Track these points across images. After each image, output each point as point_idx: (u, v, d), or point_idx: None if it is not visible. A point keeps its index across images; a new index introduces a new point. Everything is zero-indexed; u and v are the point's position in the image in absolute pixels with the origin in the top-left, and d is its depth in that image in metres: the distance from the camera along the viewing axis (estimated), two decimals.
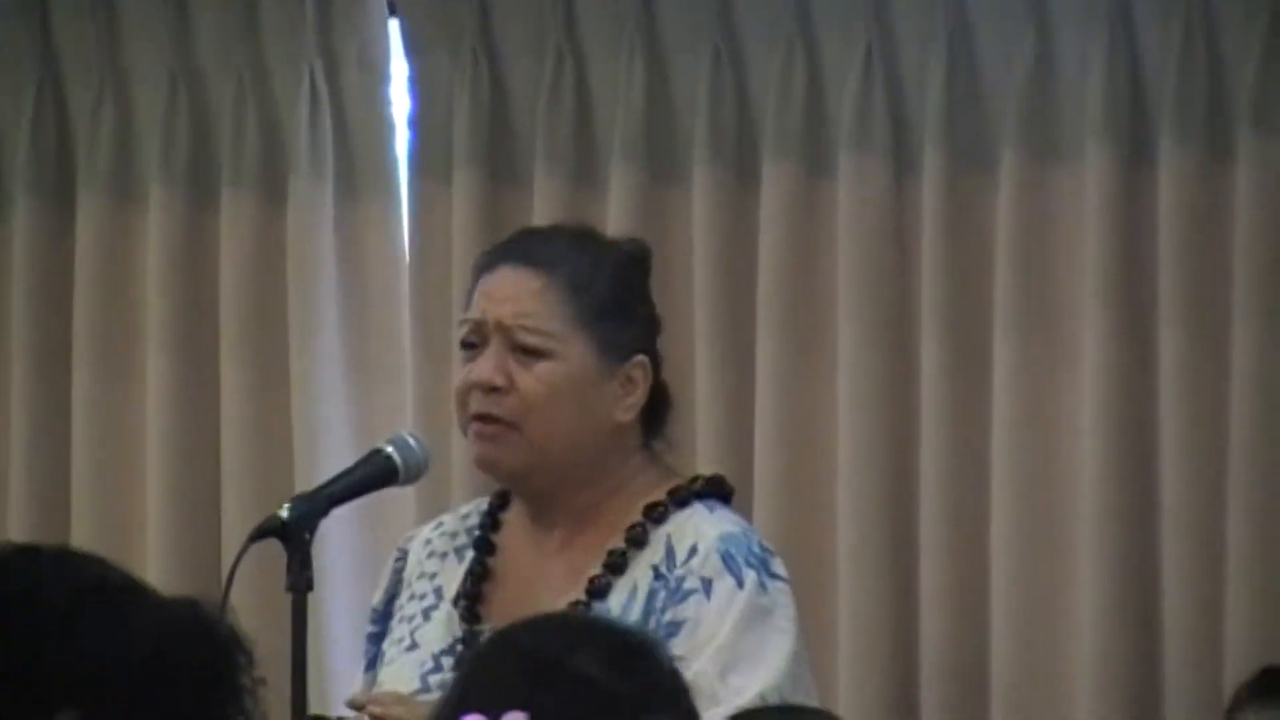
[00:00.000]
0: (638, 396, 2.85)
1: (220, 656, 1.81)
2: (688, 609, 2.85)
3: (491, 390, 2.82)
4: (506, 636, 2.03)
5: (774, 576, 2.89)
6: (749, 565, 2.88)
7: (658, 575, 2.88)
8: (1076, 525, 3.42)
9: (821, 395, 3.45)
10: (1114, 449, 3.30)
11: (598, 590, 2.85)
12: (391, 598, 3.07)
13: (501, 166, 3.64)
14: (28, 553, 1.88)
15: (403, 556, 3.06)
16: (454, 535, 3.04)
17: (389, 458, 2.86)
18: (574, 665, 1.89)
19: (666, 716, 1.90)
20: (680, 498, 2.92)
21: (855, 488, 3.43)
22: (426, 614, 3.01)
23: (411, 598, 3.06)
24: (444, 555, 3.05)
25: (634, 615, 2.85)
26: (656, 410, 2.90)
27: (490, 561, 2.98)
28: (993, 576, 3.36)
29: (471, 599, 2.95)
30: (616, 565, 2.87)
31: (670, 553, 2.88)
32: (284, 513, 2.77)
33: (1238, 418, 3.29)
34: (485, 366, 2.81)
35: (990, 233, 3.33)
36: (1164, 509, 3.37)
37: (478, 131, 3.63)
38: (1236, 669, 3.25)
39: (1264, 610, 3.17)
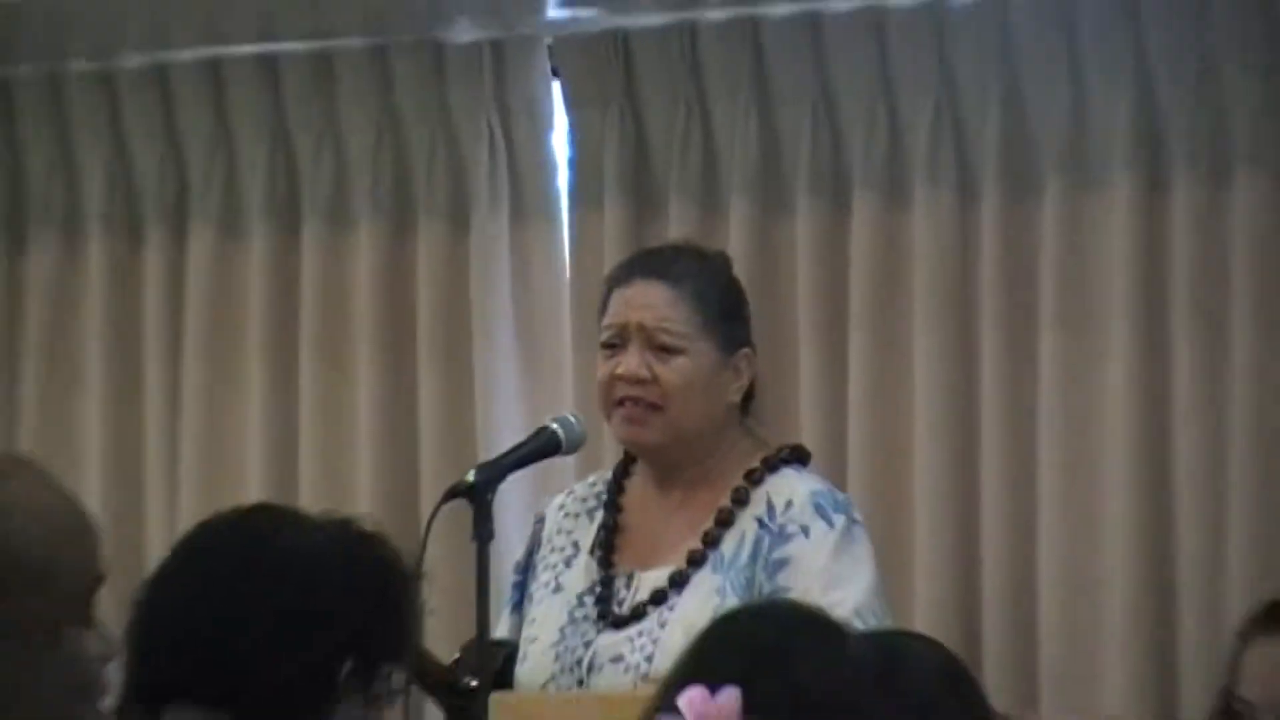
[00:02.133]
0: (743, 381, 3.28)
1: (415, 592, 2.20)
2: (790, 548, 3.27)
3: (638, 381, 3.25)
4: (731, 618, 2.52)
5: (854, 521, 3.33)
6: (836, 511, 3.30)
7: (761, 525, 3.30)
8: (1105, 489, 3.73)
9: (901, 387, 3.83)
10: (1136, 429, 3.69)
11: (711, 541, 3.30)
12: (531, 553, 3.51)
13: (643, 198, 4.03)
14: (293, 516, 2.33)
15: (540, 520, 3.49)
16: (584, 500, 3.47)
17: (554, 433, 3.28)
18: (793, 652, 2.49)
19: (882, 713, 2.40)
20: (772, 463, 3.34)
21: (928, 461, 3.83)
22: (568, 562, 3.43)
23: (551, 550, 3.48)
24: (577, 515, 3.48)
25: (743, 558, 3.30)
26: (749, 392, 3.35)
27: (619, 518, 3.41)
28: (1040, 530, 3.73)
29: (606, 548, 3.38)
30: (725, 520, 3.30)
31: (770, 507, 3.31)
32: (470, 477, 3.19)
33: (1239, 404, 3.65)
34: (632, 362, 3.24)
35: (1038, 249, 3.67)
36: (1177, 482, 3.68)
37: (623, 170, 4.01)
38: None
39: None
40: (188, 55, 4.26)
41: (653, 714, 1.88)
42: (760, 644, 1.98)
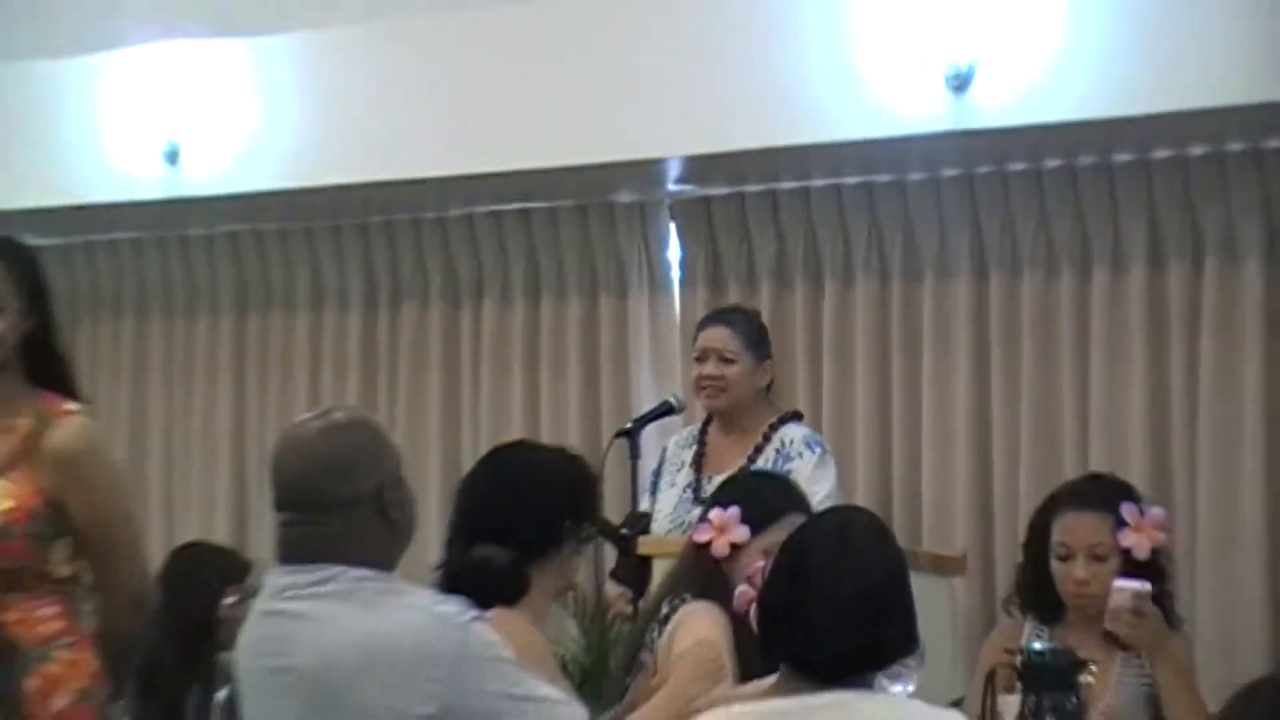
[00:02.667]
0: (768, 377, 4.54)
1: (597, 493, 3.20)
2: (792, 464, 4.43)
3: (712, 378, 4.52)
4: (748, 473, 3.88)
5: (825, 451, 4.49)
6: (815, 446, 4.46)
7: (778, 452, 4.52)
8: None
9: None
10: None
11: (751, 460, 4.47)
12: (660, 466, 4.71)
13: (713, 285, 5.54)
14: (539, 444, 3.57)
15: (664, 449, 4.68)
16: (687, 439, 4.70)
17: (671, 403, 4.64)
18: (755, 483, 3.53)
19: (801, 513, 3.27)
20: (783, 418, 4.56)
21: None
22: (678, 470, 4.64)
23: (670, 465, 4.69)
24: (682, 447, 4.69)
25: (767, 469, 4.42)
26: (770, 383, 4.60)
27: (704, 449, 4.63)
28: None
29: (696, 464, 4.59)
30: (759, 449, 4.50)
31: (783, 443, 4.52)
32: (628, 425, 4.50)
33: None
34: (710, 368, 4.50)
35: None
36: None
37: (705, 269, 5.55)
38: None
39: None
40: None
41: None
42: (753, 483, 3.58)
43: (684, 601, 3.62)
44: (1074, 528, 3.94)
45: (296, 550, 3.08)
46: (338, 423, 3.10)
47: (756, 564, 3.37)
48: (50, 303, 3.59)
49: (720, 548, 3.60)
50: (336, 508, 3.03)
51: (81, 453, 3.54)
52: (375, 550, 3.05)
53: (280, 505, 3.10)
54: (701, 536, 3.63)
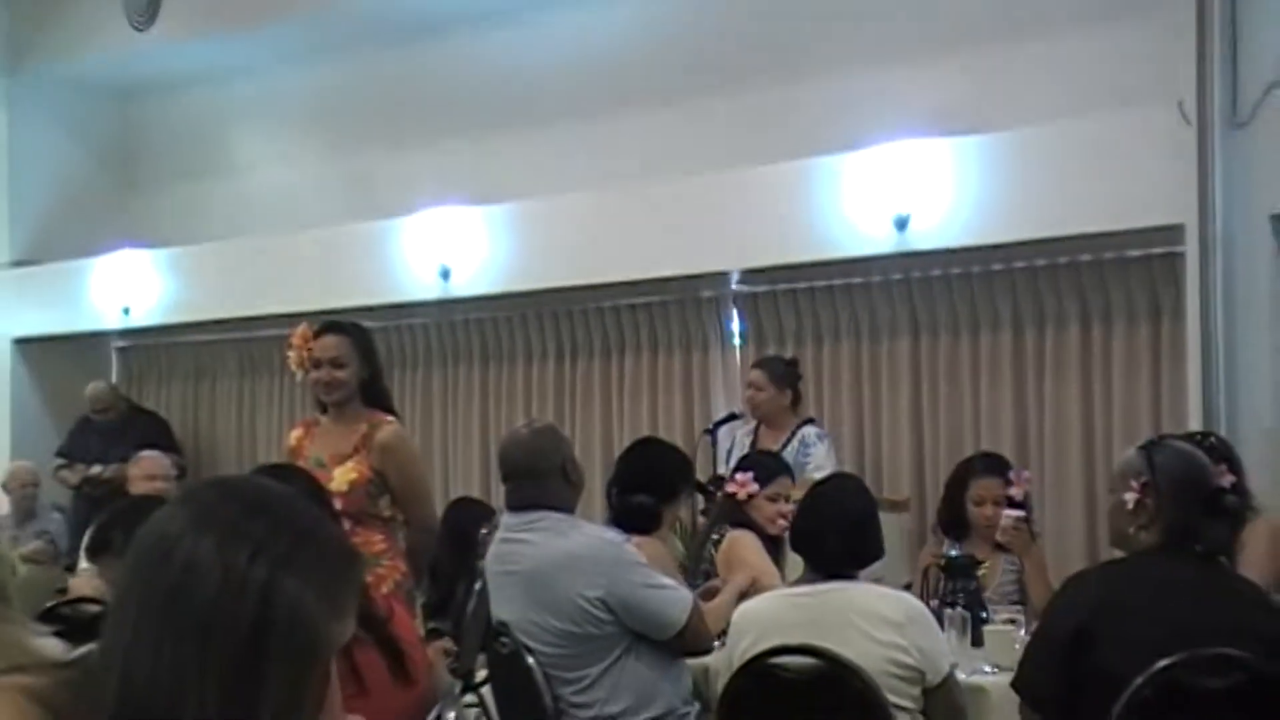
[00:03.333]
0: (791, 395, 6.56)
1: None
2: (811, 450, 6.31)
3: (754, 402, 6.61)
4: (748, 454, 5.70)
5: (829, 440, 6.35)
6: (824, 438, 6.38)
7: (801, 443, 6.38)
8: None
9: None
10: None
11: (783, 447, 6.18)
12: (731, 447, 6.46)
13: (760, 343, 7.42)
14: (654, 438, 5.61)
15: (733, 437, 6.55)
16: (746, 433, 6.55)
17: (735, 413, 6.77)
18: (759, 457, 5.35)
19: (786, 475, 5.05)
20: (803, 421, 6.52)
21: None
22: (742, 451, 6.24)
23: (737, 448, 6.40)
24: (744, 437, 6.54)
25: (793, 457, 5.94)
26: (794, 398, 6.60)
27: (756, 439, 6.48)
28: None
29: (752, 446, 6.36)
30: (787, 441, 6.34)
31: (804, 439, 6.40)
32: (709, 426, 6.74)
33: None
34: (750, 393, 6.56)
35: None
36: None
37: (755, 333, 7.58)
38: None
39: None
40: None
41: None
42: (758, 458, 5.48)
43: (725, 529, 4.83)
44: (986, 484, 5.11)
45: (519, 502, 4.04)
46: (536, 428, 4.14)
47: (769, 507, 4.69)
48: (378, 361, 4.74)
49: (742, 495, 4.84)
50: (540, 473, 3.97)
51: (394, 445, 4.63)
52: (563, 501, 4.00)
53: (507, 476, 4.09)
54: (731, 489, 4.89)
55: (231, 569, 1.43)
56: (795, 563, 4.16)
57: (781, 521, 4.80)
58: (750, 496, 4.91)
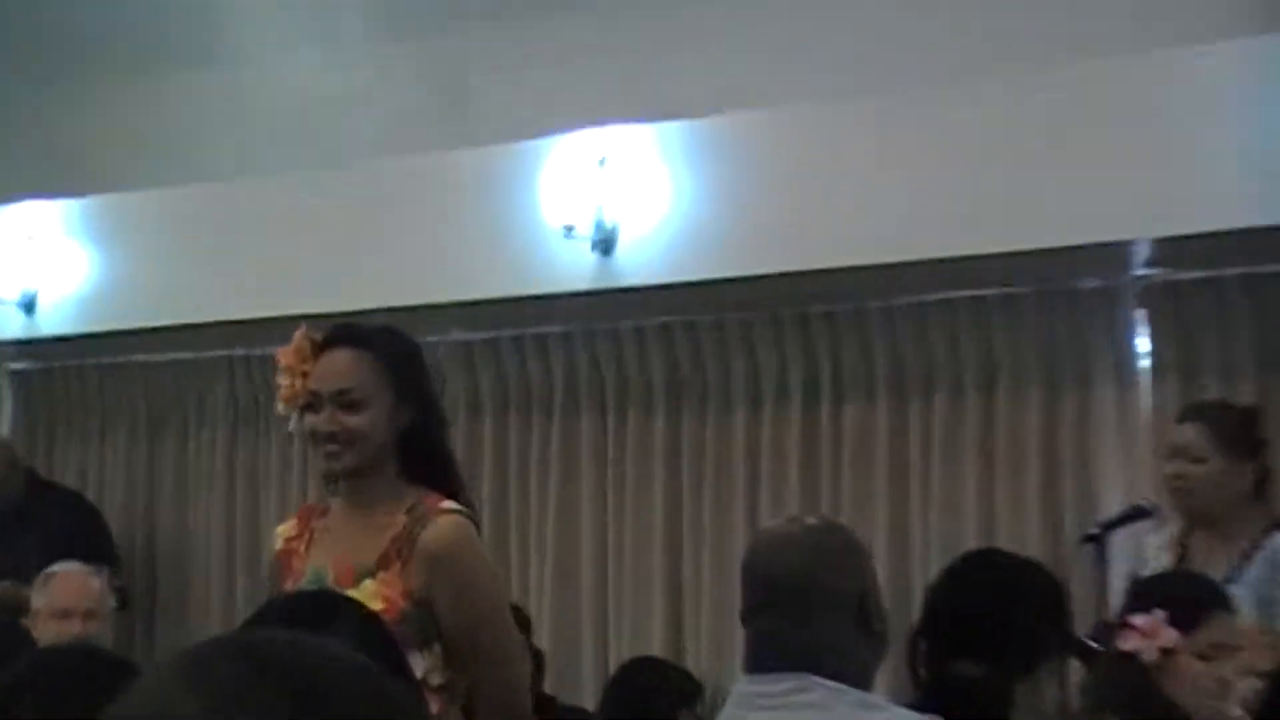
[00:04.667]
0: (1254, 472, 4.45)
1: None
2: None
3: (1180, 475, 4.46)
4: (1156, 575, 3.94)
5: None
6: None
7: (1270, 562, 4.43)
8: None
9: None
10: None
11: (1236, 569, 4.39)
12: (1133, 568, 4.64)
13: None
14: (995, 552, 3.84)
15: (1144, 548, 4.64)
16: (1163, 542, 4.61)
17: (1142, 506, 4.66)
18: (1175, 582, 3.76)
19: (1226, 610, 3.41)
20: (1277, 521, 4.49)
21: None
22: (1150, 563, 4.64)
23: (1151, 569, 4.55)
24: (1161, 550, 4.59)
25: (1257, 587, 4.41)
26: (1263, 478, 4.53)
27: (1186, 553, 4.54)
28: None
29: (1181, 557, 4.51)
30: (1246, 557, 4.40)
31: (1276, 551, 4.47)
32: (1094, 530, 4.60)
33: None
34: (1175, 467, 4.44)
35: None
36: None
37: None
38: None
39: None
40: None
41: None
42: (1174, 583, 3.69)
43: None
44: None
45: (770, 656, 3.08)
46: (816, 526, 3.17)
47: (1202, 672, 3.40)
48: (430, 397, 3.53)
49: (1150, 653, 3.43)
50: (818, 609, 3.03)
51: (450, 553, 3.44)
52: (852, 661, 3.05)
53: (757, 609, 3.12)
54: (1129, 642, 3.46)
55: None
56: None
57: (1231, 704, 3.54)
58: (1165, 654, 3.48)
